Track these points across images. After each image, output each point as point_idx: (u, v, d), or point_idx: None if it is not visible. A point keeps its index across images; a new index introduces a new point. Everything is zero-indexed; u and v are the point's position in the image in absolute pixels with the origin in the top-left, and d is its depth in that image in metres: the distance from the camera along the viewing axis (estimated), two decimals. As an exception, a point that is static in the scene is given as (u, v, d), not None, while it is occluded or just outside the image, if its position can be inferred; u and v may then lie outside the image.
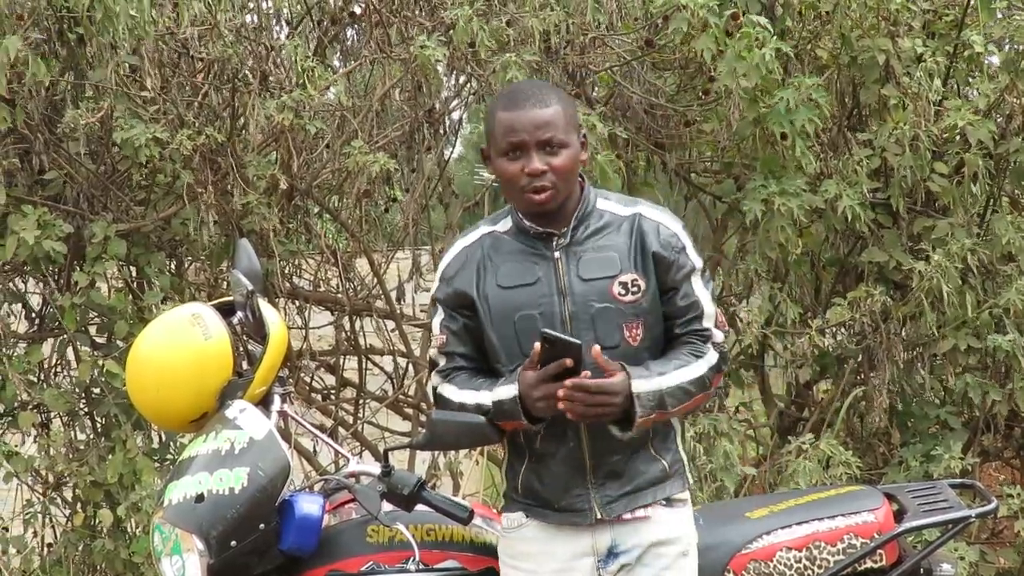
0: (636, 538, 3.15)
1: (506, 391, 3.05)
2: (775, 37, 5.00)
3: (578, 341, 2.95)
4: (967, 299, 5.22)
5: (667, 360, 3.13)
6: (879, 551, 3.49)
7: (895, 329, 5.43)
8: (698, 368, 3.12)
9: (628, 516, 3.14)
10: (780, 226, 5.10)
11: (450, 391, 3.19)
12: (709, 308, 3.19)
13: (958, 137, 5.32)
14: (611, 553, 3.16)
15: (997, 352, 5.28)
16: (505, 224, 3.22)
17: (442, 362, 3.23)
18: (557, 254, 3.12)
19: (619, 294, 3.09)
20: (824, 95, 5.12)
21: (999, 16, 5.48)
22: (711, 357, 3.16)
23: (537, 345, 2.97)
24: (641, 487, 3.15)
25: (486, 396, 3.10)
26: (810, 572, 3.44)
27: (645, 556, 3.15)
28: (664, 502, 3.18)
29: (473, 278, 3.16)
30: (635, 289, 3.09)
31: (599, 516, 3.12)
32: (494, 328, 3.13)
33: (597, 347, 2.98)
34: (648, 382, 3.03)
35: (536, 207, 3.09)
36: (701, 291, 3.18)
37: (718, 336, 3.20)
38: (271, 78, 5.17)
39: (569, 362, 2.94)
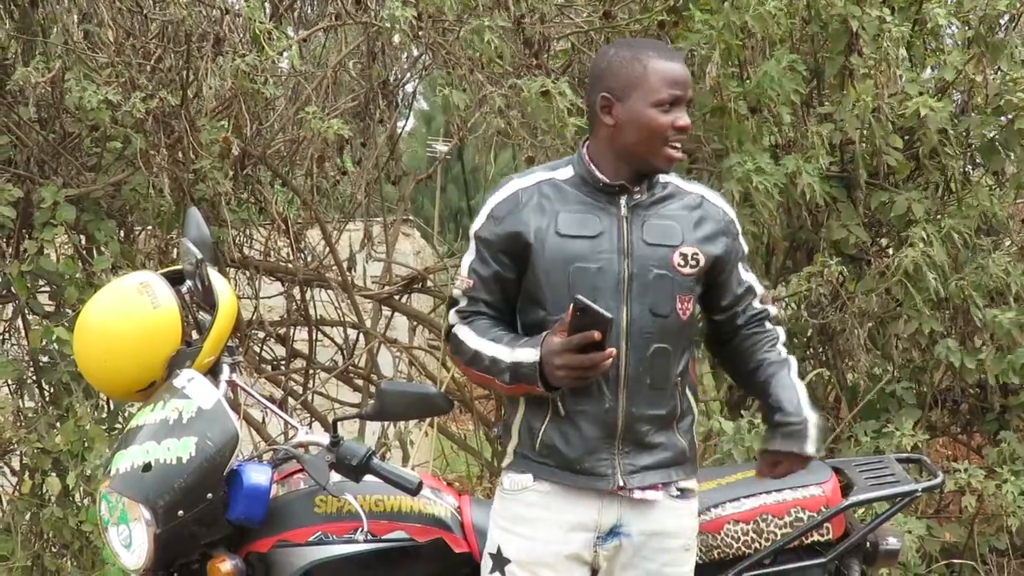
0: (641, 523, 3.11)
1: (527, 354, 2.99)
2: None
3: (609, 315, 2.90)
4: (939, 277, 5.22)
5: (785, 391, 3.20)
6: (826, 524, 3.51)
7: (860, 302, 5.43)
8: (792, 364, 3.25)
9: (639, 493, 3.08)
10: (761, 202, 5.11)
11: (467, 335, 3.13)
12: (759, 287, 3.27)
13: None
14: (612, 532, 3.11)
15: (997, 326, 5.29)
16: (565, 173, 3.14)
17: (463, 303, 3.16)
18: (624, 212, 3.08)
19: (679, 265, 3.08)
20: (801, 65, 5.14)
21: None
22: (781, 334, 3.29)
23: (569, 309, 2.92)
24: (662, 464, 3.11)
25: (505, 353, 3.04)
26: (757, 545, 3.46)
27: (645, 549, 3.11)
28: (678, 492, 3.14)
29: (530, 220, 3.08)
30: (694, 263, 3.09)
31: (620, 484, 3.06)
32: (544, 274, 3.06)
33: None
34: (815, 438, 3.19)
35: (669, 164, 3.08)
36: (749, 274, 3.26)
37: (773, 310, 3.29)
38: (225, 42, 5.13)
39: (597, 335, 2.90)
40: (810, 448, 3.14)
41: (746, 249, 3.26)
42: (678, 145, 3.06)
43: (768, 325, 3.28)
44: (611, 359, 2.94)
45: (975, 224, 5.42)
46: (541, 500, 3.12)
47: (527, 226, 3.07)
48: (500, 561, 3.15)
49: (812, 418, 3.15)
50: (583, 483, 3.08)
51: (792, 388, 3.19)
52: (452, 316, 3.19)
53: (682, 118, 3.05)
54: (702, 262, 3.10)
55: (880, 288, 5.37)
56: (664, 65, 3.07)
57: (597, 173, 3.09)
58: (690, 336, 3.17)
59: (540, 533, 3.10)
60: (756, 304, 3.26)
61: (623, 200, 3.09)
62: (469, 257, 3.16)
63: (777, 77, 5.08)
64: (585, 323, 2.89)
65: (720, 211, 3.20)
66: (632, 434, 3.07)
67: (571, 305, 2.91)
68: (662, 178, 3.16)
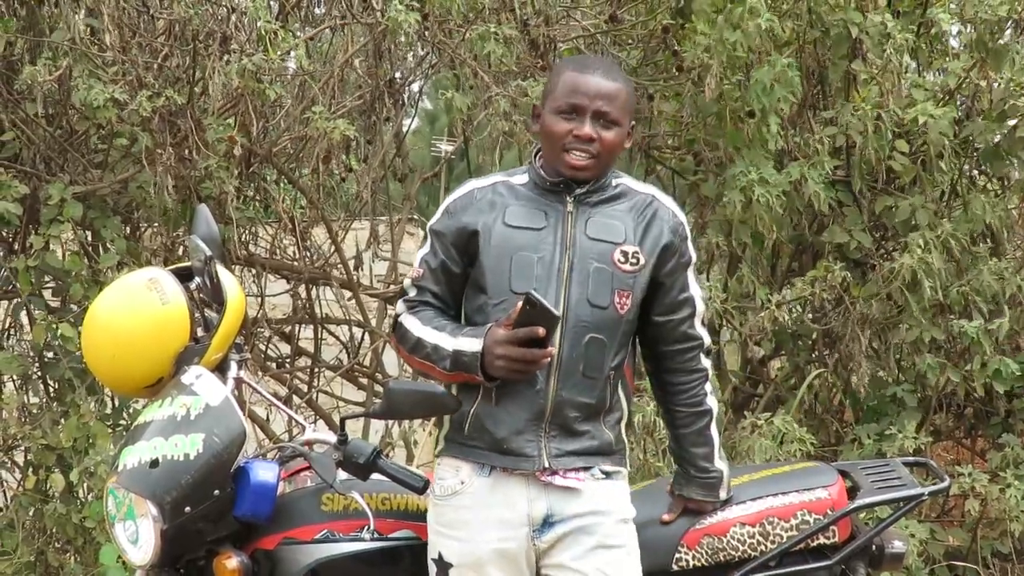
0: (571, 507, 3.15)
1: (469, 344, 3.08)
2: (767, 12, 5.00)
3: (558, 314, 3.01)
4: (936, 284, 5.21)
5: (703, 447, 3.37)
6: (832, 527, 3.50)
7: (861, 307, 5.43)
8: (713, 413, 3.36)
9: (561, 480, 3.13)
10: (759, 215, 5.11)
11: (412, 323, 3.22)
12: (701, 306, 3.31)
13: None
14: (546, 522, 3.16)
15: (963, 337, 5.28)
16: (521, 178, 3.25)
17: (412, 293, 3.26)
18: (570, 208, 3.17)
19: (619, 261, 3.15)
20: (797, 73, 5.13)
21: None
22: (709, 368, 3.36)
23: (518, 304, 3.00)
24: (587, 452, 3.17)
25: (448, 341, 3.12)
26: (763, 547, 3.45)
27: (583, 527, 3.16)
28: (602, 475, 3.19)
29: (480, 213, 3.19)
30: (634, 261, 3.16)
31: (546, 465, 3.12)
32: (489, 260, 3.15)
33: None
34: (727, 485, 3.44)
35: (571, 171, 3.14)
36: (695, 286, 3.29)
37: (707, 339, 3.34)
38: (232, 41, 5.13)
39: (541, 332, 2.98)
40: (723, 495, 3.42)
41: (694, 257, 3.31)
42: (580, 153, 3.12)
43: (701, 361, 3.33)
44: (550, 358, 3.05)
45: (971, 230, 5.42)
46: (471, 502, 3.18)
47: (476, 219, 3.19)
48: (443, 566, 3.21)
49: (725, 469, 3.42)
50: (509, 463, 3.14)
51: (710, 442, 3.37)
52: (400, 305, 3.30)
53: (582, 127, 3.11)
54: (641, 261, 3.17)
55: (881, 293, 5.37)
56: (574, 75, 3.17)
57: (542, 172, 3.20)
58: (629, 334, 3.24)
59: (475, 534, 3.17)
60: (695, 326, 3.30)
61: (569, 197, 3.18)
62: (423, 250, 3.28)
63: (768, 84, 5.07)
64: (533, 318, 2.98)
65: (670, 212, 3.26)
66: (559, 418, 3.14)
67: (522, 299, 3.00)
68: (613, 180, 3.25)
